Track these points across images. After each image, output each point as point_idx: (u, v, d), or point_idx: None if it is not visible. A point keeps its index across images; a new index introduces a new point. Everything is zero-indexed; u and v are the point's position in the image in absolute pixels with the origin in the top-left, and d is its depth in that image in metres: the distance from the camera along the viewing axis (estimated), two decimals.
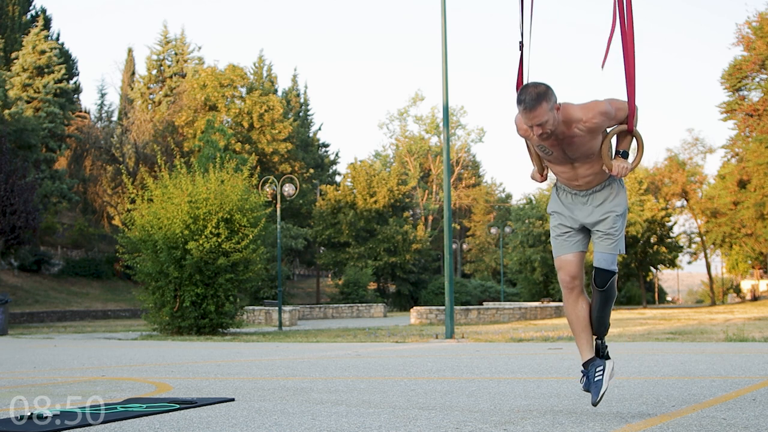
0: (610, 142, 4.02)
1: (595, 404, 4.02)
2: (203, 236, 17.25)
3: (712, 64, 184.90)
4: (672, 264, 52.24)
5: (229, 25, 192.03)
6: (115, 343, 15.43)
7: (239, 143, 45.77)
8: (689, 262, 60.34)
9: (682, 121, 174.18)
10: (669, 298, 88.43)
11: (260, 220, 18.42)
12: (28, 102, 42.61)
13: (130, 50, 59.54)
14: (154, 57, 52.28)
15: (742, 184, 45.31)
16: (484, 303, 43.32)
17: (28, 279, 40.48)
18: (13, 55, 45.20)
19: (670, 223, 50.54)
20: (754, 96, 47.27)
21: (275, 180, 26.56)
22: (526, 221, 47.93)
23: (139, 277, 18.36)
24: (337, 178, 58.77)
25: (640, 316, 28.60)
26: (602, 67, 4.08)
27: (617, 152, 4.03)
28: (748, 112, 46.73)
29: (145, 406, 4.71)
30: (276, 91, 53.80)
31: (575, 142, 3.94)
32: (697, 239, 55.71)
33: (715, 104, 72.40)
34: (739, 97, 48.01)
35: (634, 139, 4.09)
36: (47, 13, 50.62)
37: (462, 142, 65.73)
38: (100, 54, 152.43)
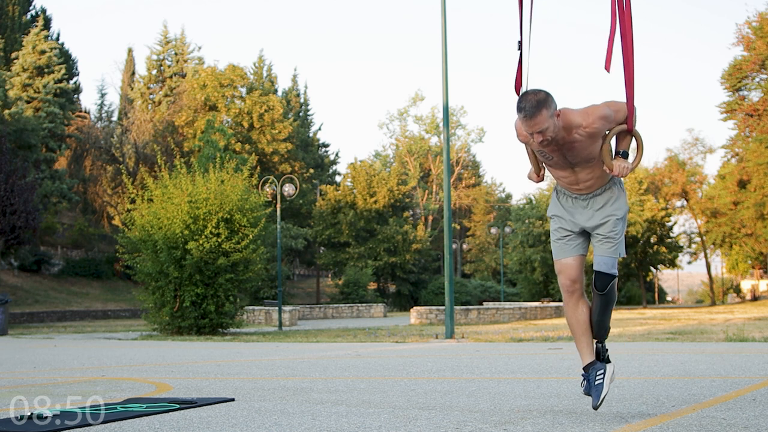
0: (610, 142, 4.03)
1: (596, 408, 4.03)
2: (203, 236, 17.25)
3: (712, 64, 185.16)
4: (672, 264, 52.23)
5: (229, 25, 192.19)
6: (115, 343, 15.44)
7: (239, 143, 45.77)
8: (689, 262, 60.37)
9: (682, 121, 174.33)
10: (669, 298, 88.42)
11: (260, 220, 18.42)
12: (28, 102, 42.61)
13: (130, 50, 59.61)
14: (154, 57, 52.28)
15: (742, 184, 45.30)
16: (484, 303, 43.32)
17: (28, 279, 40.48)
18: (13, 55, 45.20)
19: (670, 223, 50.53)
20: (754, 96, 47.28)
21: (275, 180, 26.56)
22: (526, 221, 47.93)
23: (139, 277, 18.36)
24: (337, 178, 58.77)
25: (640, 316, 28.60)
26: (608, 69, 4.07)
27: (617, 152, 4.04)
28: (748, 112, 46.73)
29: (145, 406, 4.71)
30: (276, 91, 53.80)
31: (576, 147, 3.94)
32: (697, 239, 55.70)
33: (715, 104, 72.49)
34: (739, 97, 48.01)
35: (634, 139, 4.09)
36: (47, 13, 50.66)
37: (462, 142, 65.75)
38: (100, 54, 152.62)
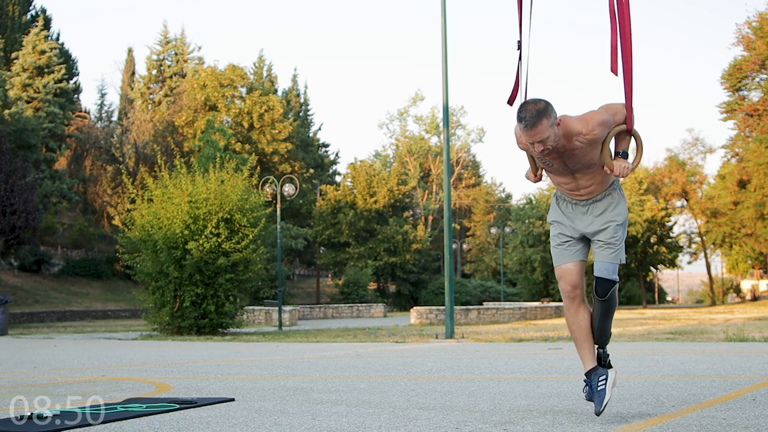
0: (610, 142, 4.02)
1: (598, 414, 4.01)
2: (203, 236, 17.25)
3: (712, 64, 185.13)
4: (672, 264, 52.22)
5: (229, 25, 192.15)
6: (115, 343, 15.44)
7: (239, 143, 45.77)
8: (689, 262, 60.36)
9: (682, 121, 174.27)
10: (669, 298, 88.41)
11: (260, 220, 18.42)
12: (28, 102, 42.62)
13: (130, 50, 59.63)
14: (154, 57, 52.28)
15: (742, 184, 45.31)
16: (484, 303, 43.33)
17: (28, 279, 40.49)
18: (13, 55, 45.20)
19: (670, 223, 50.52)
20: (754, 96, 47.29)
21: (275, 180, 26.56)
22: (526, 221, 47.92)
23: (139, 277, 18.36)
24: (337, 178, 58.78)
25: (640, 316, 28.61)
26: (615, 72, 4.06)
27: (617, 153, 4.04)
28: (748, 112, 46.73)
29: (145, 406, 4.71)
30: (276, 91, 53.80)
31: (576, 154, 3.94)
32: (697, 239, 55.70)
33: (715, 104, 72.48)
34: (739, 97, 48.01)
35: (633, 139, 4.09)
36: (47, 13, 50.67)
37: (462, 142, 65.75)
38: (100, 54, 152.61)
